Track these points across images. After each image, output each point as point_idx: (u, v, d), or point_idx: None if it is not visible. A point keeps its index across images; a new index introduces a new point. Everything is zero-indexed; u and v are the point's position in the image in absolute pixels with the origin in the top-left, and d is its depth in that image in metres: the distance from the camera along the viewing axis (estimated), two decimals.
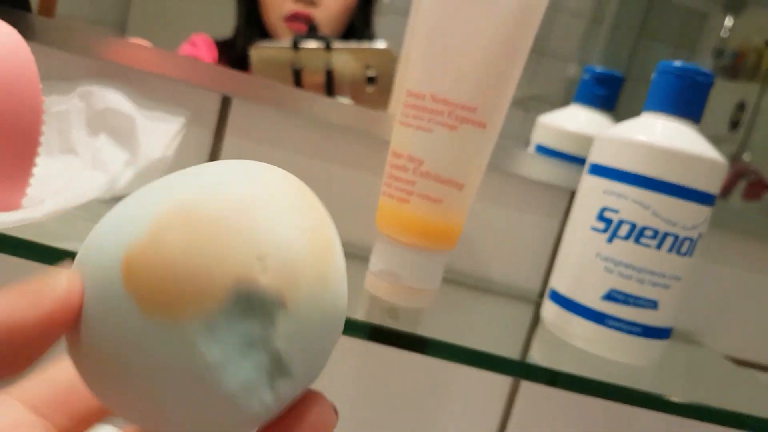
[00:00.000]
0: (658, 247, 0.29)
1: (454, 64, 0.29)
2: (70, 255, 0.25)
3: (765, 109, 0.45)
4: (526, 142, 0.41)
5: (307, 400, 0.14)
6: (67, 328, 0.13)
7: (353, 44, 0.41)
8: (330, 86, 0.41)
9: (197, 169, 0.14)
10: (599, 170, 0.31)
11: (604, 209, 0.30)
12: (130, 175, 0.31)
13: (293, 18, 0.41)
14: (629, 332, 0.30)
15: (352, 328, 0.28)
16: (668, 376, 0.33)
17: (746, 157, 0.45)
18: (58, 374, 0.15)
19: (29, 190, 0.28)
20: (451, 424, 0.43)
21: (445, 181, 0.30)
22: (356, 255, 0.39)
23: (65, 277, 0.12)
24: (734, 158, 0.45)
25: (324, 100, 0.39)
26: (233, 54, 0.42)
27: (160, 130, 0.34)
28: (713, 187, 0.30)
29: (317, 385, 0.14)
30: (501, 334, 0.35)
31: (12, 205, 0.27)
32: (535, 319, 0.36)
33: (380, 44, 0.41)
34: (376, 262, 0.31)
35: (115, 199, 0.29)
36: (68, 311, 0.12)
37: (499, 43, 0.28)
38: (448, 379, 0.43)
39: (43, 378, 0.15)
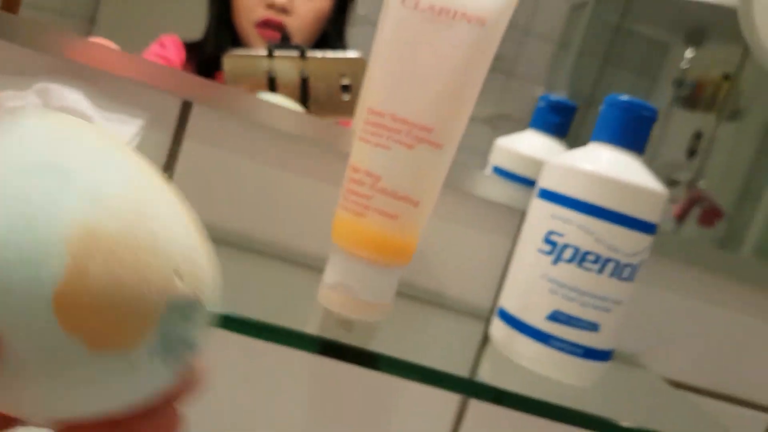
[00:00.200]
0: (600, 271, 0.30)
1: (413, 86, 0.30)
2: None
3: (721, 139, 0.47)
4: None
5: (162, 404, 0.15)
6: None
7: (328, 53, 0.42)
8: (305, 94, 0.41)
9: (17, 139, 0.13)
10: (547, 195, 0.32)
11: (550, 233, 0.31)
12: None
13: (264, 24, 0.41)
14: (571, 353, 0.31)
15: (304, 342, 0.28)
16: (609, 398, 0.34)
17: (702, 184, 0.48)
18: None
19: None
20: None
21: (401, 198, 0.30)
22: (312, 266, 0.39)
23: None
24: (690, 185, 0.48)
25: (284, 110, 0.39)
26: (202, 56, 0.42)
27: (117, 132, 0.33)
28: (654, 216, 0.31)
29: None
30: (452, 350, 0.35)
31: None
32: (486, 336, 0.37)
33: (354, 53, 0.42)
34: (330, 275, 0.31)
35: None
36: None
37: (457, 69, 0.30)
38: (398, 394, 0.43)
39: None
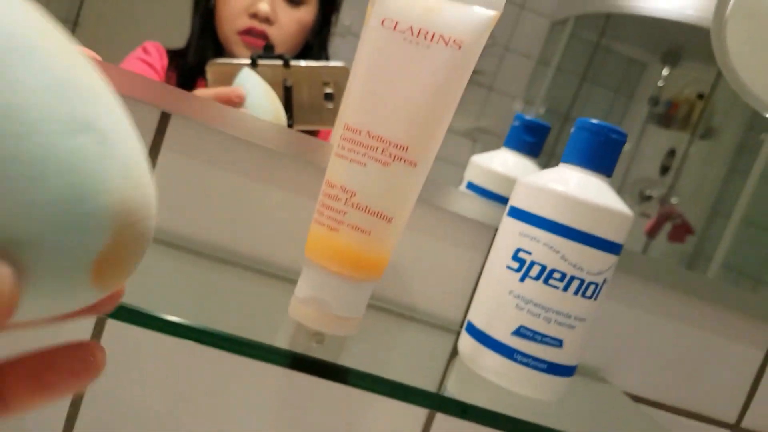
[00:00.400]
0: (565, 289, 0.31)
1: (390, 104, 0.30)
2: None
3: (693, 157, 0.49)
4: None
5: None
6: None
7: (311, 62, 0.42)
8: (288, 102, 0.42)
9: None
10: (517, 213, 0.33)
11: (518, 250, 0.32)
12: None
13: (248, 32, 0.42)
14: (535, 368, 0.32)
15: (274, 355, 0.28)
16: (571, 412, 0.35)
17: (674, 201, 0.49)
18: None
19: None
20: None
21: (375, 214, 0.31)
22: (286, 278, 0.40)
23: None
24: (663, 201, 0.49)
25: (262, 123, 0.40)
26: (184, 64, 0.42)
27: None
28: (620, 237, 0.32)
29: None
30: (421, 364, 0.36)
31: None
32: (455, 350, 0.38)
33: (337, 62, 0.43)
34: (302, 288, 0.32)
35: None
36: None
37: (434, 90, 0.30)
38: (367, 406, 0.44)
39: None
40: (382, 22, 0.30)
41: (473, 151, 0.44)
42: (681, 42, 0.49)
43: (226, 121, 0.39)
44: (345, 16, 0.44)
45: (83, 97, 0.13)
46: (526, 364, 0.31)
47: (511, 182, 0.35)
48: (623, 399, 0.42)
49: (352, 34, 0.44)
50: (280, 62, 0.42)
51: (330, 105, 0.42)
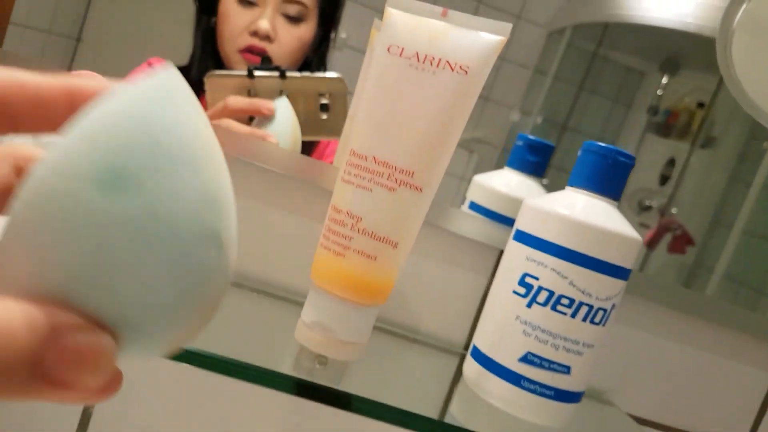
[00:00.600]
0: (573, 315, 0.31)
1: (396, 130, 0.30)
2: None
3: (693, 167, 0.48)
4: (468, 180, 0.44)
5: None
6: None
7: (307, 73, 0.43)
8: None
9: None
10: (523, 237, 0.33)
11: (525, 275, 0.32)
12: None
13: (249, 50, 0.42)
14: (542, 395, 0.31)
15: (279, 382, 0.28)
16: None
17: (674, 211, 0.49)
18: None
19: None
20: None
21: (381, 239, 0.31)
22: (292, 300, 0.39)
23: None
24: (662, 212, 0.49)
25: (267, 146, 0.40)
26: (187, 81, 0.42)
27: None
28: (628, 262, 0.32)
29: None
30: (425, 387, 0.36)
31: None
32: (459, 373, 0.37)
33: (333, 73, 0.43)
34: (308, 313, 0.32)
35: None
36: None
37: (440, 115, 0.30)
38: (372, 430, 0.44)
39: None
40: (389, 49, 0.30)
41: (470, 162, 0.44)
42: (680, 50, 0.49)
43: (235, 145, 0.39)
44: (342, 29, 0.44)
45: (218, 208, 0.14)
46: (533, 391, 0.31)
47: (514, 202, 0.35)
48: (628, 421, 0.42)
49: (348, 47, 0.44)
50: (276, 73, 0.42)
51: (325, 116, 0.42)
